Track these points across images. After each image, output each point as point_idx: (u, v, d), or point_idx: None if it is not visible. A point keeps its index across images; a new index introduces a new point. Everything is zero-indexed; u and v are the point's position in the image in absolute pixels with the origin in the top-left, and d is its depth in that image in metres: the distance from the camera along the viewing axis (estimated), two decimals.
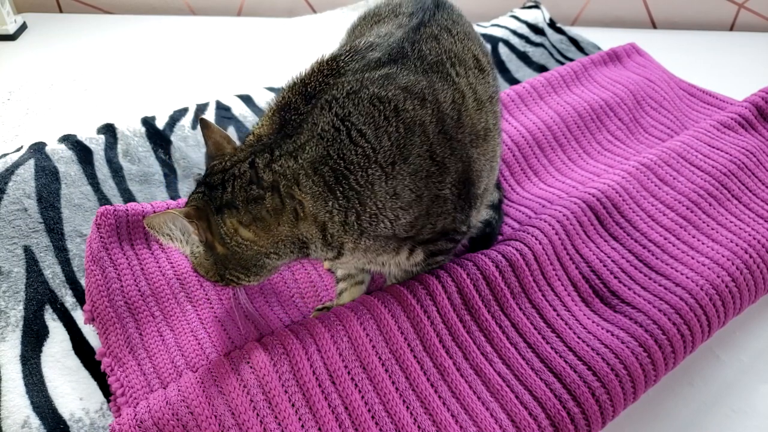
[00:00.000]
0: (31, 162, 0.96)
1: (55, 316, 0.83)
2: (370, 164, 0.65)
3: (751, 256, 0.87)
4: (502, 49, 1.44)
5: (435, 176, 0.69)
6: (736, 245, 0.89)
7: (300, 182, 0.65)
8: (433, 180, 0.69)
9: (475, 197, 0.77)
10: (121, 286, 0.84)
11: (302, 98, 0.67)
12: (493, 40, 1.45)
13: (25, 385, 0.75)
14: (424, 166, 0.68)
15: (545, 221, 0.89)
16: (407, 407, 0.70)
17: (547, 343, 0.77)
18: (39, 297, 0.84)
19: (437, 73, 0.71)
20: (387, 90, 0.67)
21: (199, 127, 1.13)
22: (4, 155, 1.00)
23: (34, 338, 0.80)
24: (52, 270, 0.87)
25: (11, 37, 1.58)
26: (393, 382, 0.71)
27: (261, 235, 0.66)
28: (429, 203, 0.70)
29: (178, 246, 0.69)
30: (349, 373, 0.71)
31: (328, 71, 0.69)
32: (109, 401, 0.75)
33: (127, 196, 1.00)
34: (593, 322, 0.79)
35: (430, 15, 0.75)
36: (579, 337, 0.77)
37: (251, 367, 0.70)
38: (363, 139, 0.65)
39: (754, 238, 0.90)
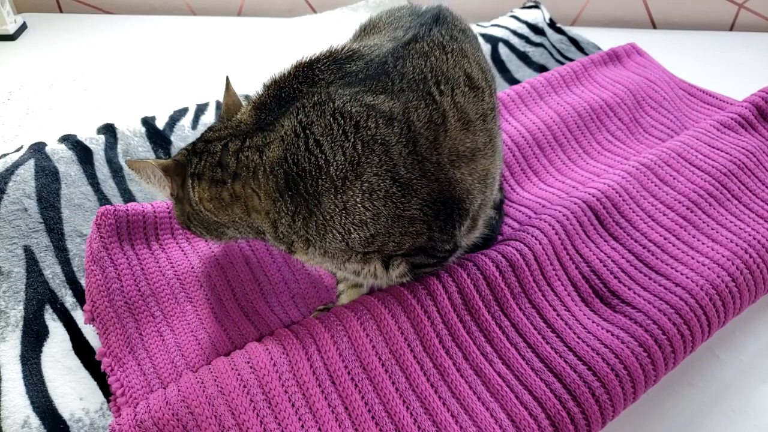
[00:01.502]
0: (31, 162, 0.96)
1: (55, 316, 0.83)
2: (320, 175, 0.65)
3: (751, 256, 0.87)
4: (502, 49, 1.44)
5: (396, 197, 0.67)
6: (736, 245, 0.89)
7: (258, 178, 0.68)
8: (393, 200, 0.67)
9: (464, 212, 0.75)
10: (121, 286, 0.84)
11: (276, 101, 0.69)
12: (493, 40, 1.45)
13: (25, 385, 0.75)
14: (382, 186, 0.66)
15: (545, 221, 0.89)
16: (407, 407, 0.70)
17: (547, 343, 0.77)
18: (39, 297, 0.84)
19: (415, 92, 0.68)
20: (352, 106, 0.66)
21: (199, 127, 1.14)
22: (4, 155, 1.00)
23: (34, 338, 0.80)
24: (52, 270, 0.87)
25: (11, 37, 1.58)
26: (393, 382, 0.71)
27: (220, 211, 0.72)
28: (389, 222, 0.68)
29: (153, 188, 0.76)
30: (349, 373, 0.71)
31: (302, 78, 0.69)
32: (109, 401, 0.75)
33: (128, 196, 1.00)
34: (593, 322, 0.80)
35: (426, 31, 0.73)
36: (579, 337, 0.77)
37: (251, 367, 0.70)
38: (318, 149, 0.65)
39: (754, 238, 0.90)
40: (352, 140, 0.65)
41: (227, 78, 0.80)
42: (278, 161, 0.66)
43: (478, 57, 0.78)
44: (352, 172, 0.65)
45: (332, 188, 0.66)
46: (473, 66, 0.75)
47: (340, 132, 0.65)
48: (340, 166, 0.65)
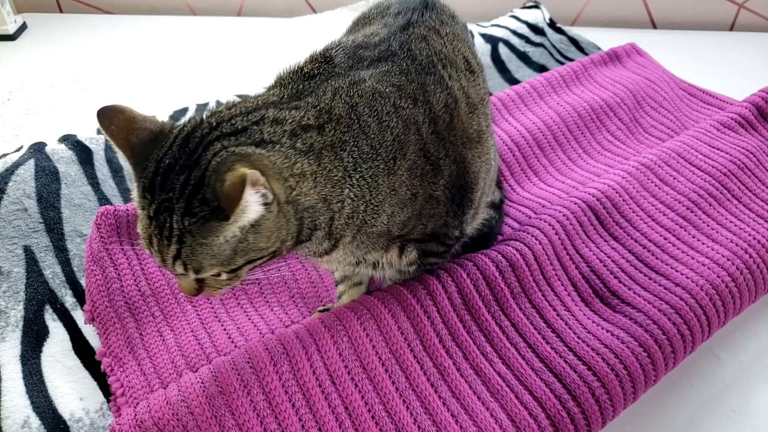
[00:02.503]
0: (31, 162, 0.96)
1: (55, 316, 0.83)
2: (376, 156, 0.64)
3: (751, 256, 0.87)
4: (502, 49, 1.44)
5: (429, 176, 0.69)
6: (736, 245, 0.89)
7: (322, 161, 0.61)
8: (428, 179, 0.69)
9: (470, 202, 0.76)
10: (121, 286, 0.84)
11: (300, 77, 0.66)
12: (493, 40, 1.45)
13: (25, 385, 0.75)
14: (419, 164, 0.67)
15: (545, 221, 0.89)
16: (407, 407, 0.70)
17: (547, 343, 0.77)
18: (39, 297, 0.84)
19: (430, 75, 0.70)
20: (383, 86, 0.66)
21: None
22: (4, 155, 1.00)
23: (34, 338, 0.80)
24: (52, 270, 0.87)
25: (11, 37, 1.58)
26: (393, 382, 0.71)
27: (296, 194, 0.59)
28: (423, 203, 0.69)
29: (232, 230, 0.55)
30: (349, 373, 0.71)
31: (323, 60, 0.69)
32: (109, 401, 0.75)
33: (128, 196, 1.00)
34: (593, 322, 0.79)
35: (418, 15, 0.74)
36: (579, 337, 0.77)
37: (251, 367, 0.70)
38: (370, 130, 0.65)
39: (754, 238, 0.90)
40: (395, 120, 0.66)
41: (106, 109, 0.59)
42: (340, 145, 0.62)
43: (469, 42, 0.80)
44: (400, 152, 0.66)
45: (386, 169, 0.65)
46: (467, 50, 0.78)
47: (385, 112, 0.65)
48: (389, 147, 0.65)
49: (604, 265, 0.87)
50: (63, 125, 1.20)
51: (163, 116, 1.14)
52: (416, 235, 0.73)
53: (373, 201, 0.65)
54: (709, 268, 0.85)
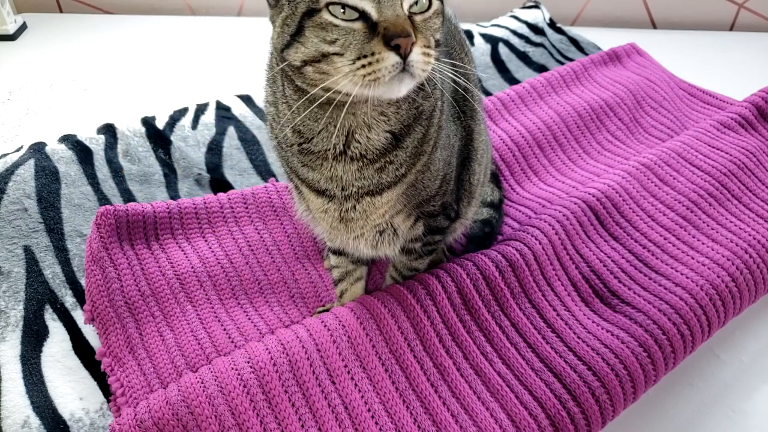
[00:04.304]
0: (31, 162, 0.96)
1: (55, 316, 0.83)
2: (432, 89, 0.67)
3: (751, 256, 0.87)
4: (502, 49, 1.44)
5: (456, 124, 0.73)
6: (736, 245, 0.89)
7: None
8: (455, 126, 0.73)
9: (465, 183, 0.79)
10: (121, 286, 0.83)
11: None
12: (493, 40, 1.45)
13: (25, 385, 0.75)
14: (453, 110, 0.72)
15: (545, 221, 0.89)
16: (407, 407, 0.70)
17: (547, 343, 0.77)
18: (39, 297, 0.84)
19: (447, 44, 0.73)
20: None
21: (199, 127, 1.14)
22: (4, 155, 1.00)
23: (34, 338, 0.80)
24: (52, 270, 0.87)
25: (11, 37, 1.58)
26: (393, 382, 0.71)
27: None
28: (449, 154, 0.73)
29: None
30: (349, 372, 0.71)
31: None
32: (109, 401, 0.75)
33: (127, 196, 1.00)
34: (593, 322, 0.79)
35: None
36: (579, 337, 0.77)
37: (251, 367, 0.70)
38: None
39: (754, 238, 0.90)
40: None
41: None
42: None
43: (459, 29, 0.83)
44: (440, 91, 0.69)
45: (439, 101, 0.69)
46: (459, 35, 0.81)
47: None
48: (430, 83, 0.67)
49: (604, 265, 0.87)
50: (63, 125, 1.20)
51: (162, 116, 1.15)
52: (436, 203, 0.75)
53: (442, 119, 0.70)
54: (709, 268, 0.85)
